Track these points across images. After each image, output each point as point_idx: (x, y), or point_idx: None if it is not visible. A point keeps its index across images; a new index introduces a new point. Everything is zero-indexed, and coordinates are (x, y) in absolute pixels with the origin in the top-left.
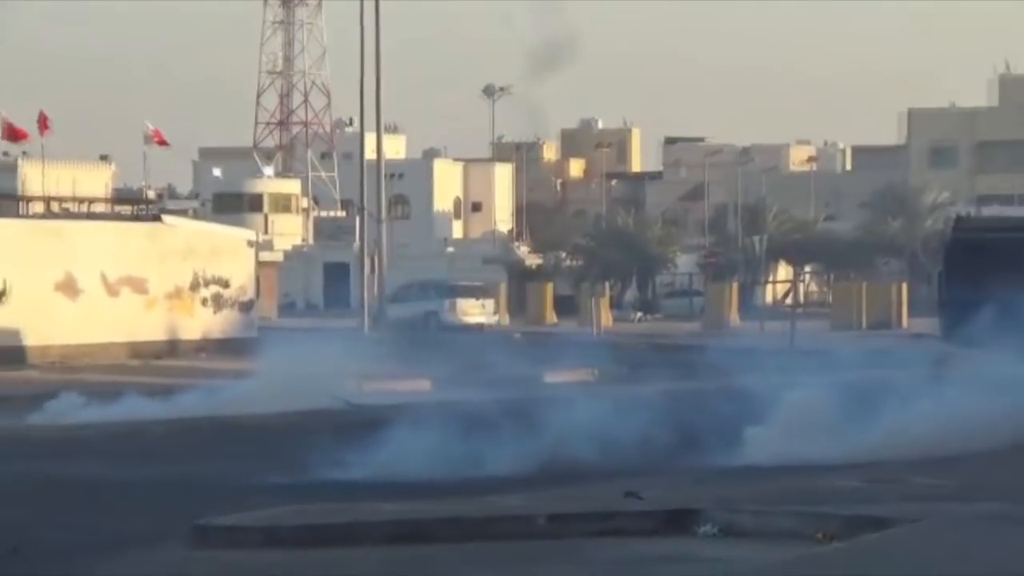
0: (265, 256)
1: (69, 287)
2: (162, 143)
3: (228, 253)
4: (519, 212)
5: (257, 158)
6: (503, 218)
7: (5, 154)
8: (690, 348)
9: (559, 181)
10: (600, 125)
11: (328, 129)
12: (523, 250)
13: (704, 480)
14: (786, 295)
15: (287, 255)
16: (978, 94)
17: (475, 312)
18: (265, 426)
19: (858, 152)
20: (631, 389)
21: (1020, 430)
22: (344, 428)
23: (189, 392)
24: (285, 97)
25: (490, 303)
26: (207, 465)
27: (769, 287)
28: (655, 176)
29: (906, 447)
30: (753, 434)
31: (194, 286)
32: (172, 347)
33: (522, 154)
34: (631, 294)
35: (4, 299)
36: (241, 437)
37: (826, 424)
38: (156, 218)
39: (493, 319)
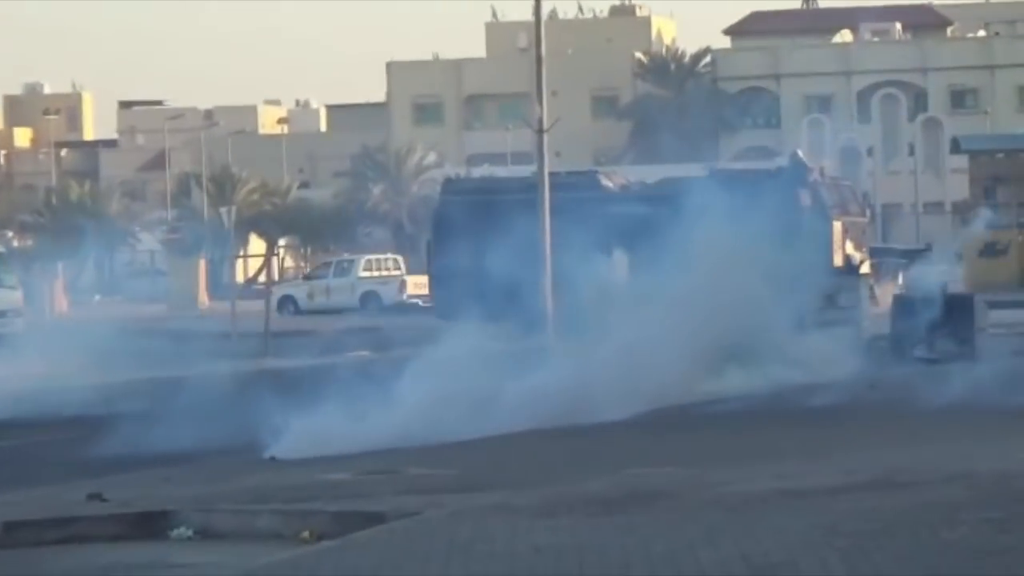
0: None
1: None
2: None
3: None
4: None
5: None
6: None
7: None
8: (159, 333)
9: (3, 152)
10: (48, 90)
11: None
12: None
13: (177, 478)
14: (259, 271)
15: None
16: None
17: None
18: None
19: (334, 111)
20: (92, 378)
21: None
22: None
23: None
24: None
25: None
26: None
27: (241, 263)
28: (110, 144)
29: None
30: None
31: None
32: None
33: None
34: (88, 275)
35: None
36: None
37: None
38: None
39: None
